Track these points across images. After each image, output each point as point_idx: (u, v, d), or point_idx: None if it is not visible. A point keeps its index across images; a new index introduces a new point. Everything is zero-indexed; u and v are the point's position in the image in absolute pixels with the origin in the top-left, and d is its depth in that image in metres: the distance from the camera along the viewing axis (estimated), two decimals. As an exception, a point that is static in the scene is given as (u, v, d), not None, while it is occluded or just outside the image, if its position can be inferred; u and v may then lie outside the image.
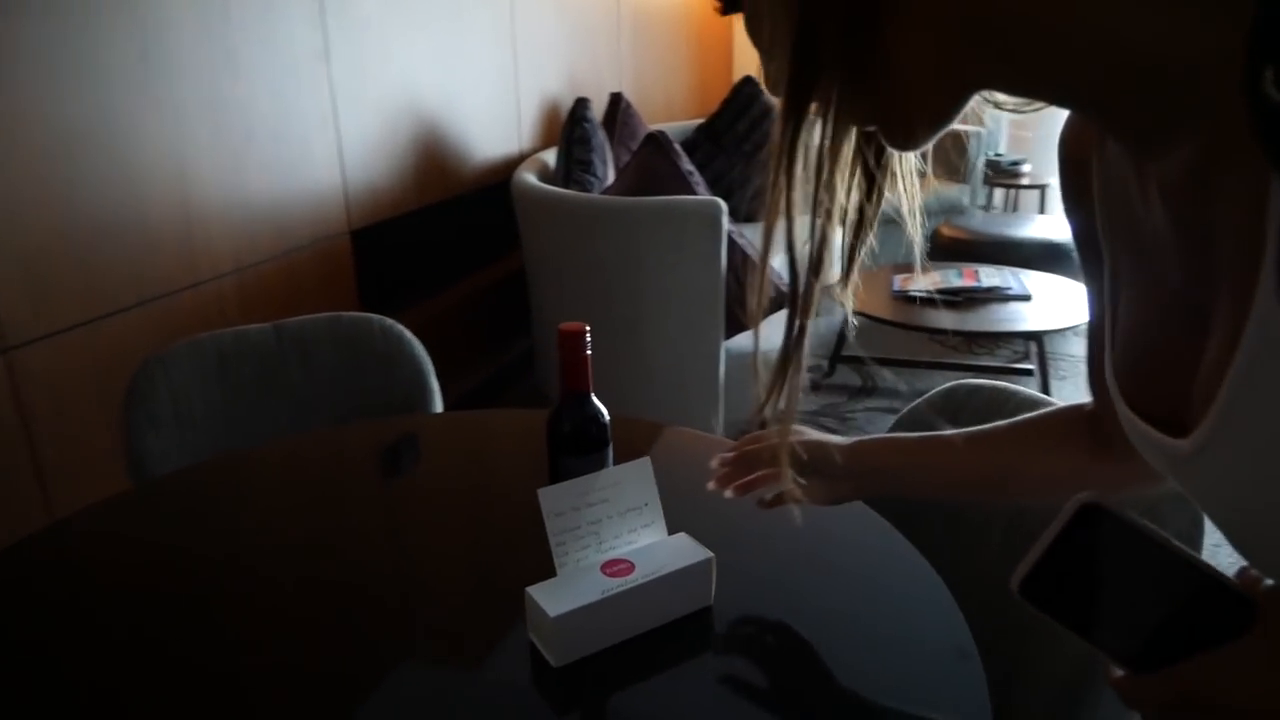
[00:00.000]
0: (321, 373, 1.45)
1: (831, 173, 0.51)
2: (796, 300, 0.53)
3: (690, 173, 2.36)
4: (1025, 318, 2.90)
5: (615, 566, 0.83)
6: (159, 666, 0.80)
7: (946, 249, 4.01)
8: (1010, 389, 1.15)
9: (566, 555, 0.83)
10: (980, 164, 4.71)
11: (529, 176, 2.67)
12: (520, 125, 3.30)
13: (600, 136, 2.96)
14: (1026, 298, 3.04)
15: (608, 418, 0.89)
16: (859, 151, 0.55)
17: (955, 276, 3.22)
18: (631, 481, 0.87)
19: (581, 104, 2.95)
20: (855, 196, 0.57)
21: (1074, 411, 0.78)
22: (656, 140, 2.35)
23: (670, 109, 4.65)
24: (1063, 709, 0.90)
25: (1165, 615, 0.48)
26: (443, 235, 2.87)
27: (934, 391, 1.21)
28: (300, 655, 0.82)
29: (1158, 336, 0.52)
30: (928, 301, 3.07)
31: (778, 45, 0.49)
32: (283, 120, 2.15)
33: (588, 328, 0.85)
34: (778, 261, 0.55)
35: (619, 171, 2.54)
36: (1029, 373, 3.29)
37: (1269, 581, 0.47)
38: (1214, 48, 0.38)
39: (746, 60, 5.50)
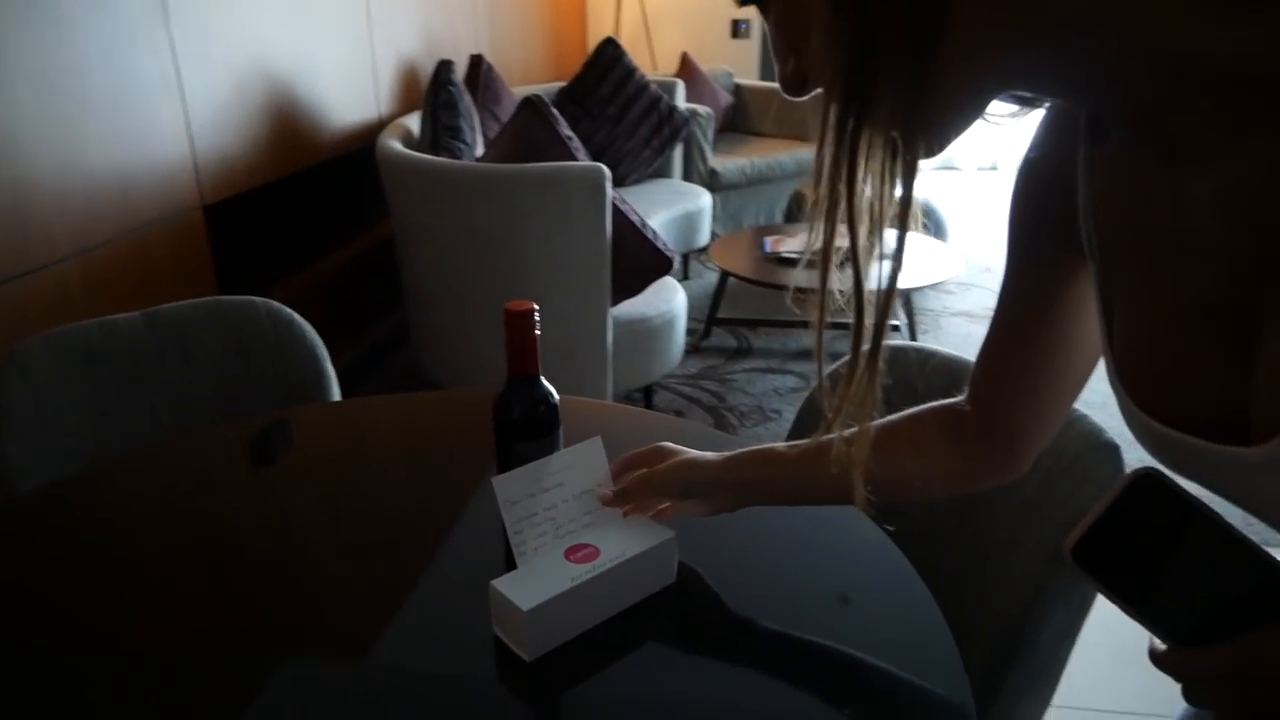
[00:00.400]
0: (203, 364, 1.33)
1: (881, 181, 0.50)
2: (862, 319, 0.54)
3: (570, 138, 2.31)
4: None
5: (579, 552, 0.80)
6: None
7: (806, 209, 4.11)
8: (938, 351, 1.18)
9: (525, 544, 0.79)
10: (833, 125, 4.84)
11: (394, 143, 2.54)
12: (378, 89, 3.14)
13: (467, 101, 2.85)
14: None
15: (557, 398, 0.85)
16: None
17: (823, 236, 3.30)
18: (584, 463, 0.85)
19: (445, 67, 2.83)
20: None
21: (944, 411, 0.78)
22: (534, 105, 2.28)
23: (528, 71, 4.54)
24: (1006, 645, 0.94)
25: (1215, 594, 0.48)
26: (302, 207, 2.70)
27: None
28: (252, 661, 0.74)
29: (1182, 346, 0.51)
30: (794, 262, 3.14)
31: (827, 49, 0.48)
32: (120, 87, 1.95)
33: (536, 306, 0.81)
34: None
35: (495, 137, 2.45)
36: (896, 328, 3.43)
37: None
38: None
39: (600, 19, 5.43)
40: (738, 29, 5.57)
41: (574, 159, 2.29)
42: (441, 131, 2.69)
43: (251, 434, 1.16)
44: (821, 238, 0.53)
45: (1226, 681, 0.46)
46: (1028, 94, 0.57)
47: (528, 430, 0.84)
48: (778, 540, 0.92)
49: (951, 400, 0.78)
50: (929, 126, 0.50)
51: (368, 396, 1.32)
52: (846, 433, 0.60)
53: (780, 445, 0.83)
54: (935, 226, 3.96)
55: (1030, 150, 0.63)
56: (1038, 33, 0.46)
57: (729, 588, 0.85)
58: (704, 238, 4.01)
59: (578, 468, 0.84)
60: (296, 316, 1.36)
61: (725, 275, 3.30)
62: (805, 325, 3.55)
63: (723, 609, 0.83)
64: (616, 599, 0.80)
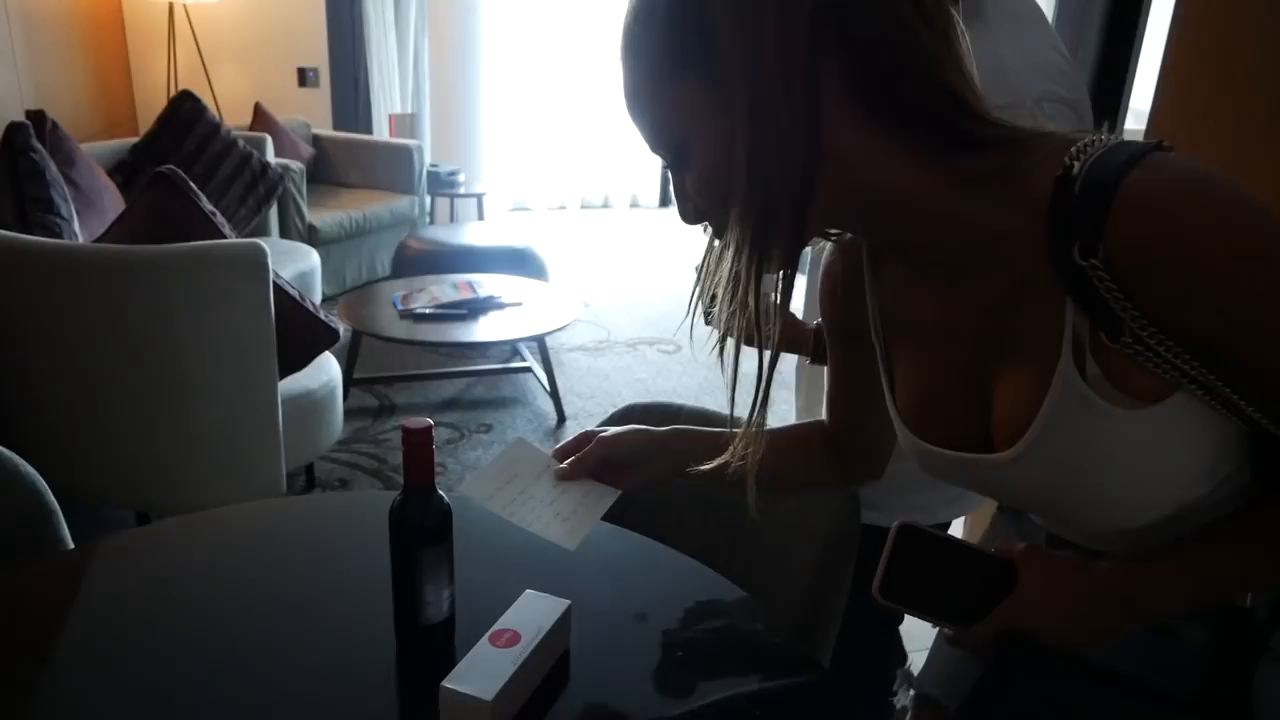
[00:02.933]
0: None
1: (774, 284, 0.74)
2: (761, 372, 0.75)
3: (213, 213, 2.17)
4: (527, 323, 3.25)
5: (502, 638, 0.87)
6: None
7: (415, 261, 4.20)
8: (675, 405, 1.40)
9: (526, 518, 0.94)
10: (424, 176, 4.98)
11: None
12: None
13: (54, 169, 2.51)
14: (519, 304, 3.39)
15: (449, 504, 0.91)
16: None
17: (452, 290, 3.43)
18: (523, 457, 1.00)
19: (21, 131, 2.47)
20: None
21: (808, 427, 1.05)
22: (169, 180, 2.11)
23: (80, 126, 4.02)
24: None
25: (974, 586, 0.75)
26: None
27: (614, 412, 1.40)
28: None
29: (944, 394, 0.79)
30: (433, 317, 3.23)
31: (742, 216, 0.69)
32: None
33: (431, 423, 0.87)
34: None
35: (125, 214, 2.20)
36: (527, 369, 3.67)
37: (1021, 545, 0.77)
38: (1016, 228, 0.67)
39: (146, 67, 4.95)
40: (305, 77, 5.44)
41: (221, 235, 2.17)
42: (31, 206, 2.35)
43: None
44: (735, 322, 0.73)
45: (1002, 637, 0.73)
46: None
47: (426, 538, 0.90)
48: (643, 598, 1.08)
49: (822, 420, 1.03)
50: (797, 256, 0.73)
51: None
52: (743, 450, 0.83)
53: (706, 429, 1.02)
54: (537, 269, 4.30)
55: (828, 266, 0.91)
56: (859, 205, 0.72)
57: (616, 649, 0.98)
58: (316, 298, 3.91)
59: (521, 462, 1.00)
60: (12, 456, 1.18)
61: (358, 335, 3.27)
62: (444, 377, 3.68)
63: (616, 668, 0.96)
64: (538, 673, 0.89)
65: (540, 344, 3.36)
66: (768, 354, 0.73)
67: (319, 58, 5.34)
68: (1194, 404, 0.66)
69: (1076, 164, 0.63)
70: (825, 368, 1.28)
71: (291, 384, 2.40)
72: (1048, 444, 0.70)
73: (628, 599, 1.06)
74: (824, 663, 1.18)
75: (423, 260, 4.16)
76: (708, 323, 1.05)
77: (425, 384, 3.55)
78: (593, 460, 1.00)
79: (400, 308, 3.27)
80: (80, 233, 2.62)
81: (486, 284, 3.53)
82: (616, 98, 0.74)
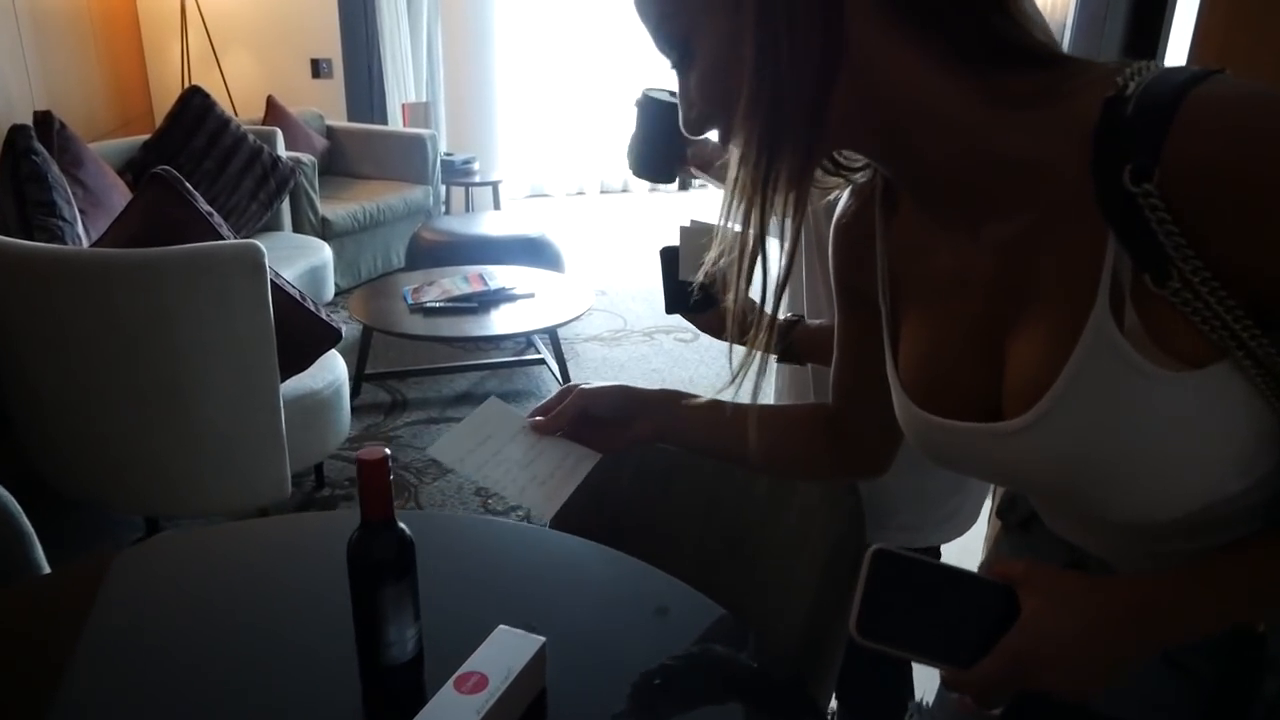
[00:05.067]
0: None
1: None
2: (763, 311, 0.68)
3: (210, 214, 2.14)
4: (538, 315, 3.19)
5: (468, 682, 0.82)
6: None
7: (429, 253, 4.16)
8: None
9: (500, 483, 0.89)
10: (438, 165, 4.93)
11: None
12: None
13: (56, 171, 2.49)
14: (530, 295, 3.34)
15: (411, 536, 0.86)
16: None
17: (463, 282, 3.38)
18: (495, 418, 0.95)
19: (23, 134, 2.44)
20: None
21: (811, 407, 0.97)
22: (164, 181, 2.07)
23: (93, 125, 4.02)
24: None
25: (967, 619, 0.65)
26: None
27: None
28: None
29: (951, 357, 0.71)
30: (443, 310, 3.19)
31: (746, 115, 0.61)
32: None
33: (388, 452, 0.82)
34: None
35: (120, 217, 2.17)
36: (541, 361, 3.62)
37: (1020, 564, 0.67)
38: (1056, 153, 0.58)
39: (161, 61, 4.94)
40: (319, 68, 5.40)
41: (219, 236, 2.13)
42: (32, 209, 2.33)
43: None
44: (737, 255, 0.65)
45: (1007, 677, 0.63)
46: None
47: (387, 575, 0.85)
48: (618, 627, 1.02)
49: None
50: (809, 172, 0.65)
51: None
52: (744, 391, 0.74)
53: (699, 397, 0.95)
54: (552, 258, 4.24)
55: (840, 217, 0.82)
56: (877, 120, 0.63)
57: (593, 684, 0.93)
58: (330, 291, 3.89)
59: (492, 422, 0.94)
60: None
61: (369, 331, 3.24)
62: (457, 371, 3.64)
63: (594, 704, 0.91)
64: (510, 715, 0.84)
65: (552, 336, 3.31)
66: (771, 271, 0.66)
67: (332, 48, 5.30)
68: (1237, 379, 0.58)
69: (1131, 83, 0.55)
70: (809, 367, 1.20)
71: (295, 385, 2.37)
72: (1071, 406, 0.61)
73: (611, 631, 1.00)
74: (828, 696, 1.13)
75: (436, 251, 4.12)
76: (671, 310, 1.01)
77: (438, 378, 3.51)
78: (571, 412, 0.94)
79: (410, 301, 3.23)
80: (87, 234, 2.60)
81: (499, 275, 3.48)
82: (635, 79, 0.67)
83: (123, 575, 1.09)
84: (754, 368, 0.70)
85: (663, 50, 0.67)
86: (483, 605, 0.96)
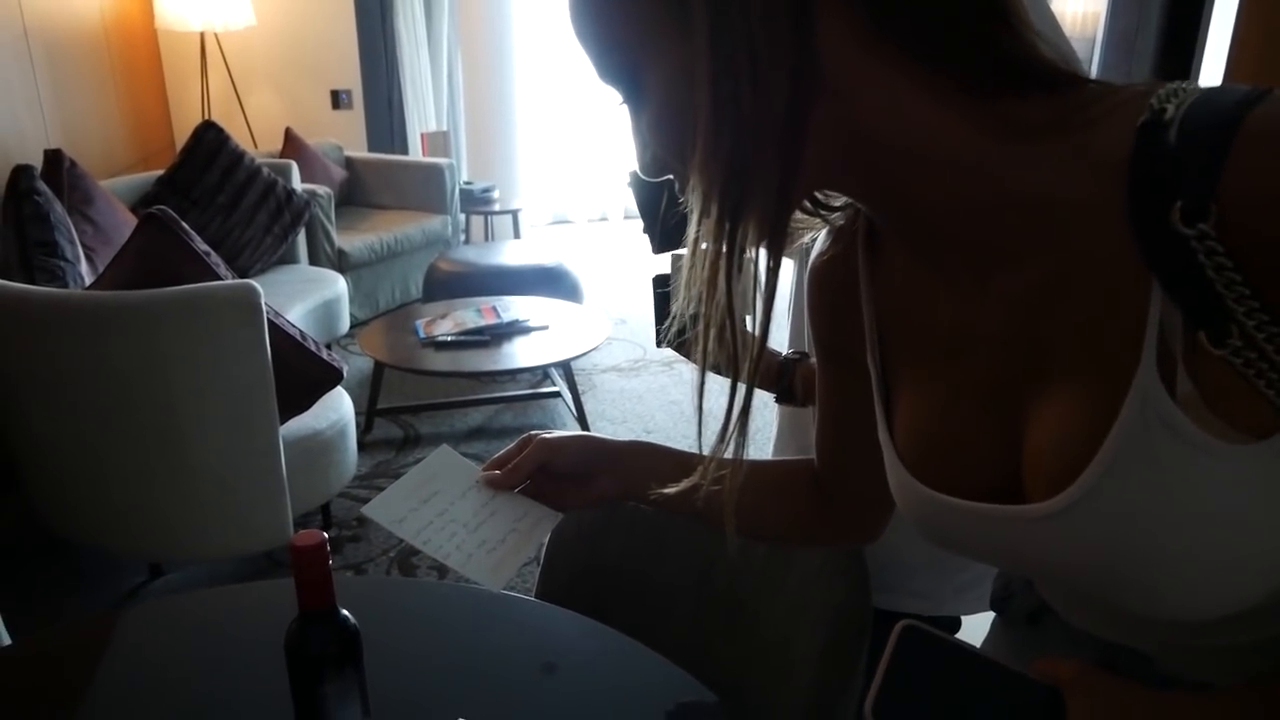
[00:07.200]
0: None
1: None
2: (738, 381, 0.58)
3: (207, 253, 2.09)
4: (552, 348, 3.12)
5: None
6: None
7: (446, 283, 4.11)
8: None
9: (443, 549, 0.79)
10: (456, 194, 4.90)
11: (-27, 272, 2.12)
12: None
13: (59, 210, 2.47)
14: (545, 328, 3.27)
15: (355, 624, 0.78)
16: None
17: (475, 315, 3.32)
18: (446, 470, 0.85)
19: (27, 174, 2.43)
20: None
21: (800, 465, 0.85)
22: (159, 220, 2.03)
23: (111, 162, 4.03)
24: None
25: (993, 716, 0.55)
26: None
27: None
28: None
29: (958, 426, 0.60)
30: (454, 344, 3.13)
31: (707, 164, 0.52)
32: None
33: (326, 536, 0.74)
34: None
35: (116, 259, 2.14)
36: (557, 394, 3.54)
37: (1071, 664, 0.57)
38: (1080, 192, 0.49)
39: (183, 95, 4.98)
40: (339, 100, 5.41)
41: (216, 276, 2.08)
42: (34, 250, 2.30)
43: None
44: (703, 314, 0.56)
45: None
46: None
47: (329, 669, 0.76)
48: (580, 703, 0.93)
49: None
50: (783, 221, 0.55)
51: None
52: (718, 474, 0.63)
53: (666, 448, 0.86)
54: (570, 288, 4.17)
55: (816, 264, 0.71)
56: (860, 159, 0.54)
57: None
58: (344, 324, 3.85)
59: (441, 476, 0.84)
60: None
61: (380, 366, 3.19)
62: (470, 405, 3.56)
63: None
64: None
65: (566, 369, 3.23)
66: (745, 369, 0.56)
67: (352, 79, 5.31)
68: None
69: (1169, 106, 0.46)
70: (811, 408, 1.10)
71: (297, 425, 2.31)
72: (1113, 487, 0.51)
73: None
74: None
75: (453, 282, 4.07)
76: (663, 344, 0.88)
77: (451, 413, 3.45)
78: (529, 466, 0.84)
79: (422, 335, 3.18)
80: (93, 273, 2.57)
81: (513, 307, 3.42)
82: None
83: (77, 650, 1.02)
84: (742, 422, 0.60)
85: (608, 83, 0.58)
86: (442, 695, 0.87)
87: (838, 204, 0.66)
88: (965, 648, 0.58)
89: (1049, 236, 0.52)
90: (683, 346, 1.04)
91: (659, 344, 1.06)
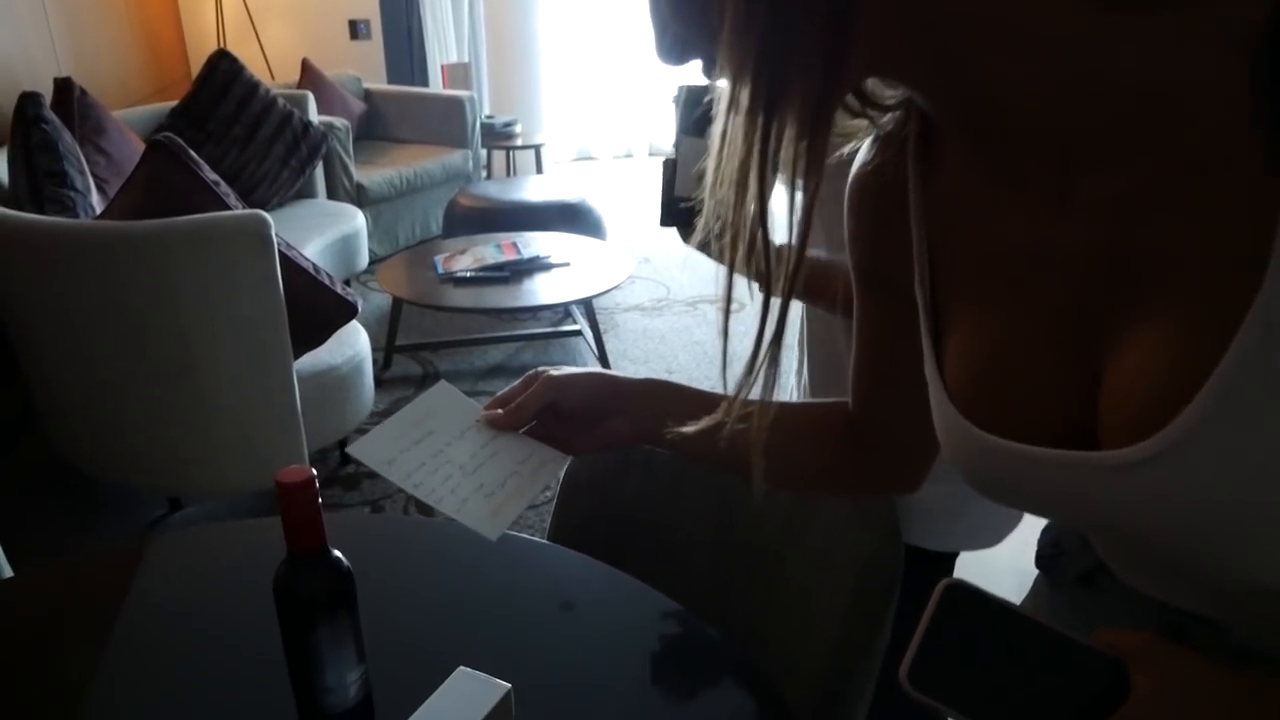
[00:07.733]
0: None
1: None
2: (769, 302, 0.52)
3: (216, 183, 2.03)
4: (574, 285, 3.05)
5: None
6: None
7: (466, 219, 4.03)
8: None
9: (435, 493, 0.72)
10: (477, 128, 4.79)
11: (-21, 201, 2.08)
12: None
13: (68, 140, 2.41)
14: (566, 264, 3.19)
15: (348, 565, 0.73)
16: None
17: (495, 251, 3.25)
18: (443, 407, 0.78)
19: (34, 101, 2.36)
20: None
21: (833, 409, 0.78)
22: (167, 148, 1.97)
23: (125, 91, 3.95)
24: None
25: (1043, 686, 0.50)
26: None
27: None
28: None
29: (1021, 359, 0.53)
30: (474, 280, 3.06)
31: (738, 36, 0.44)
32: None
33: (314, 472, 0.68)
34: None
35: (123, 189, 2.08)
36: (578, 333, 3.48)
37: (1136, 635, 0.51)
38: (1197, 74, 0.41)
39: (197, 24, 4.87)
40: (356, 30, 5.29)
41: (225, 206, 2.02)
42: (43, 180, 2.25)
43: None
44: (730, 223, 0.49)
45: None
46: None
47: (320, 613, 0.71)
48: (607, 658, 0.88)
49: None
50: (828, 114, 0.47)
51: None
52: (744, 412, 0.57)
53: (684, 388, 0.78)
54: (593, 224, 4.08)
55: (859, 175, 0.63)
56: (928, 33, 0.46)
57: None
58: (363, 260, 3.79)
59: (438, 414, 0.77)
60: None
61: (399, 302, 3.13)
62: (490, 342, 3.47)
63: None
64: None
65: (588, 307, 3.17)
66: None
67: (370, 9, 5.17)
68: None
69: None
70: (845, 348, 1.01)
71: (312, 360, 2.27)
72: (1216, 434, 0.43)
73: (597, 674, 0.86)
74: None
75: (473, 218, 3.99)
76: (689, 241, 0.78)
77: (471, 350, 3.40)
78: (534, 404, 0.77)
79: (441, 271, 3.12)
80: (103, 205, 2.52)
81: (534, 243, 3.34)
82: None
83: (73, 585, 0.98)
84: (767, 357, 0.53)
85: None
86: (443, 640, 0.82)
87: (889, 103, 0.58)
88: (1016, 610, 0.51)
89: (1157, 128, 0.43)
90: (706, 246, 0.94)
91: (661, 223, 0.97)
